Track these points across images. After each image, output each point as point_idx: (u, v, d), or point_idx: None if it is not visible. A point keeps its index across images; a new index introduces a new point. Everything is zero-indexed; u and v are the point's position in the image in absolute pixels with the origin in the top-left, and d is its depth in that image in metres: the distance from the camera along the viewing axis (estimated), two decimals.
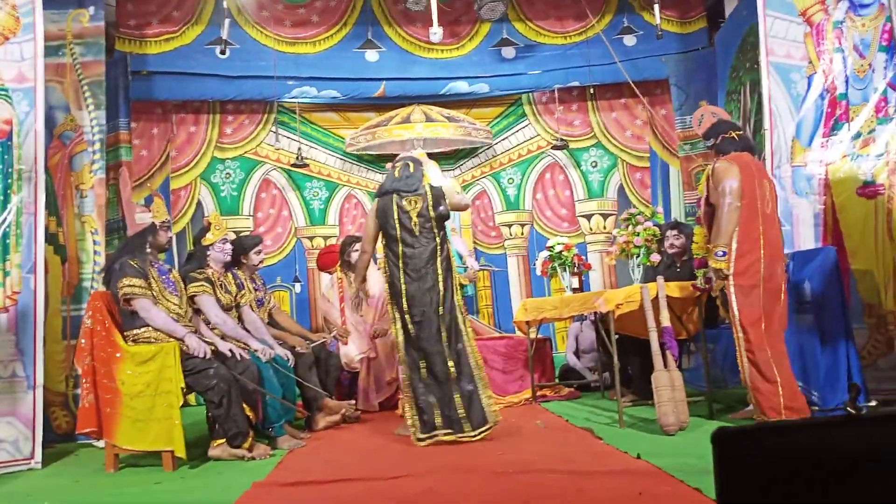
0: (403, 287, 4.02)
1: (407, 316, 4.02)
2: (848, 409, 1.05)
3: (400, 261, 4.06)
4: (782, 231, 4.01)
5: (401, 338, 4.05)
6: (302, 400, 4.57)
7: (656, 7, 5.96)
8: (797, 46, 4.97)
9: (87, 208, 4.94)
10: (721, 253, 3.69)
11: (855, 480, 0.93)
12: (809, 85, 4.87)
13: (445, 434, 3.90)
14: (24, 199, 4.17)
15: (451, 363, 3.94)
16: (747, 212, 3.72)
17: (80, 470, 3.87)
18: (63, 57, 5.06)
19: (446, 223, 4.23)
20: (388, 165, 4.50)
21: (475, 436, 3.86)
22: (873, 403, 3.78)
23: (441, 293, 4.00)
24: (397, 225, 4.07)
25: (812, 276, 4.02)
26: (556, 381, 5.66)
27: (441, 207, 4.10)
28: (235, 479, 3.24)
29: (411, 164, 4.24)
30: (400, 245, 4.07)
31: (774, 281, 3.73)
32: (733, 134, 4.01)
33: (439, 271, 4.02)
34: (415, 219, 4.06)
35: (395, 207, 4.09)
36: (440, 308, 3.98)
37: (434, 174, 4.43)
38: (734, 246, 3.70)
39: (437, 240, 4.07)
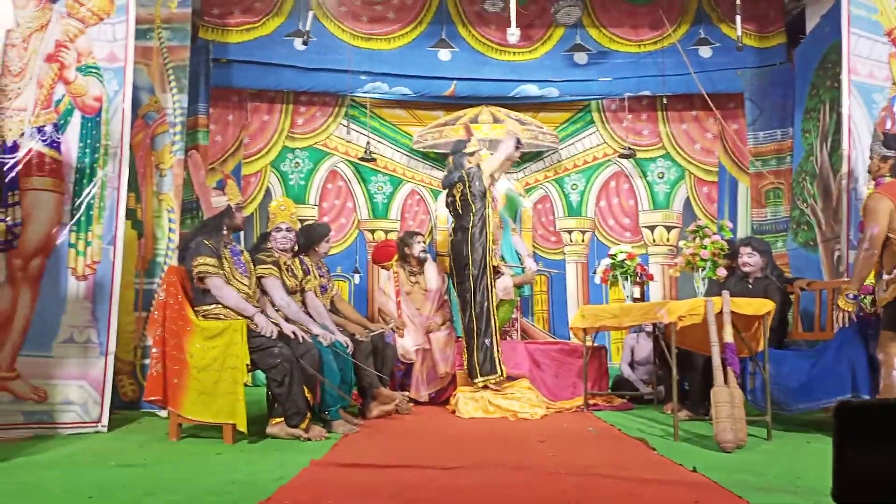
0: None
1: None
2: None
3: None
4: None
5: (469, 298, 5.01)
6: (357, 388, 4.65)
7: (738, 19, 5.87)
8: (881, 66, 4.85)
9: (166, 187, 5.13)
10: (852, 297, 3.96)
11: None
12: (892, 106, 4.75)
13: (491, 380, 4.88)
14: (108, 173, 4.37)
15: (474, 317, 4.90)
16: None
17: (144, 436, 4.03)
18: (151, 40, 5.25)
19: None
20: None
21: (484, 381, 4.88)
22: None
23: (469, 254, 4.92)
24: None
25: None
26: (609, 391, 5.62)
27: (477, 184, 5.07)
28: (292, 457, 3.33)
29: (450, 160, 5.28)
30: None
31: None
32: None
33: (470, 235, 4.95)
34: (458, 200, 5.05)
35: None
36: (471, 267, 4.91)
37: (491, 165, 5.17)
38: None
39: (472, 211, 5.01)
